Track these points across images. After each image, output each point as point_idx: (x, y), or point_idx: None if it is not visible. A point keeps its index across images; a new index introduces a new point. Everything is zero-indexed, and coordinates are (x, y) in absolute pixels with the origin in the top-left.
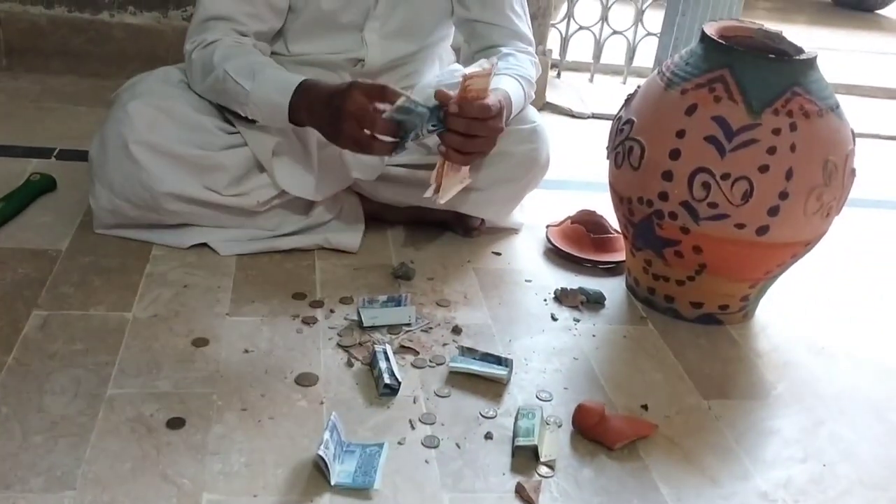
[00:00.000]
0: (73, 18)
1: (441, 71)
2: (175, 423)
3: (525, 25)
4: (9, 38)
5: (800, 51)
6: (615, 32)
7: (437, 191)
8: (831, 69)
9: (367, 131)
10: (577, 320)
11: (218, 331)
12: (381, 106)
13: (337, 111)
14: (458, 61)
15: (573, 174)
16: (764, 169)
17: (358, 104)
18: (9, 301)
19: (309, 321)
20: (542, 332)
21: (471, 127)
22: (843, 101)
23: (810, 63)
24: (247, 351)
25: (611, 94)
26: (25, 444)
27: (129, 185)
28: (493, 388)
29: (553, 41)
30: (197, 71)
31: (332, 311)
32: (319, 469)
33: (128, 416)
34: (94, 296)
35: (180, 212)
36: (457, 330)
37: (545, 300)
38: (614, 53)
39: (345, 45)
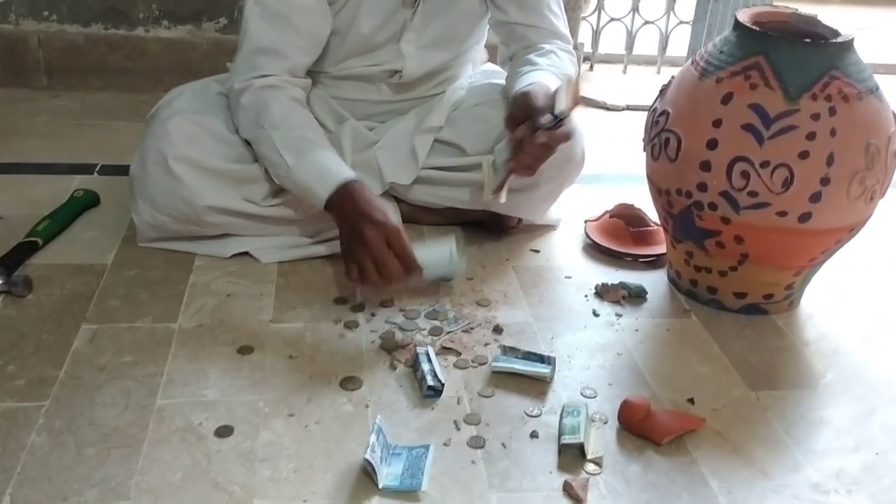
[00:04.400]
0: (110, 35)
1: (473, 72)
2: (224, 431)
3: (562, 24)
4: (48, 57)
5: (836, 34)
6: (647, 22)
7: (496, 191)
8: (870, 49)
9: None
10: (620, 315)
11: (262, 338)
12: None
13: (359, 239)
14: (489, 60)
15: (610, 168)
16: (804, 155)
17: (375, 243)
18: (58, 316)
19: (351, 325)
20: (584, 328)
21: (550, 152)
22: (884, 80)
23: (847, 46)
24: (291, 357)
25: (645, 85)
26: (79, 457)
27: (170, 199)
28: (536, 386)
29: (584, 34)
30: (246, 118)
31: (373, 314)
32: (367, 472)
33: (177, 425)
34: (140, 308)
35: (221, 223)
36: (498, 329)
37: (586, 296)
38: (647, 44)
39: (382, 58)
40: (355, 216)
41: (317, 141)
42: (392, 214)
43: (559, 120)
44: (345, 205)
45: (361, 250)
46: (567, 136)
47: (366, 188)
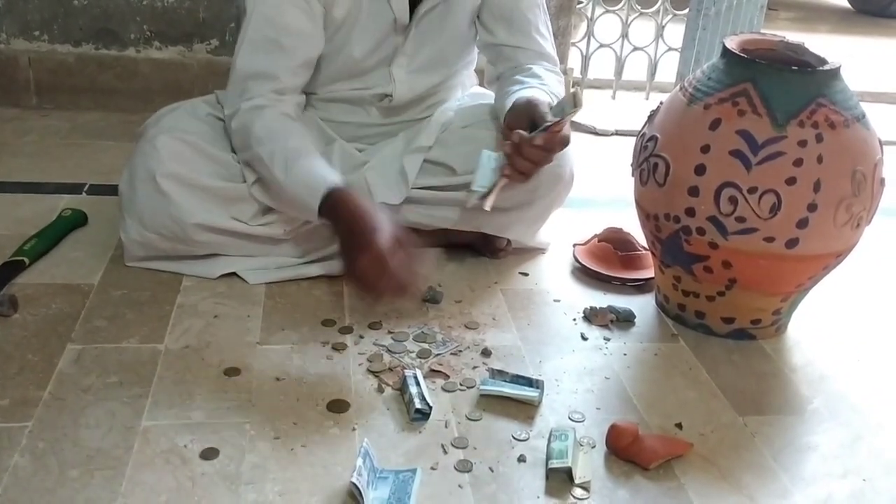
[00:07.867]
0: (100, 55)
1: (462, 95)
2: (209, 454)
3: (550, 45)
4: (38, 77)
5: (823, 61)
6: (636, 49)
7: (484, 197)
8: (856, 77)
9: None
10: (608, 339)
11: (249, 360)
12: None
13: (354, 255)
14: (479, 84)
15: (598, 192)
16: (791, 181)
17: (373, 265)
18: (43, 336)
19: (339, 347)
20: (572, 352)
21: (546, 158)
22: (870, 108)
23: (834, 73)
24: (278, 379)
25: (634, 111)
26: (62, 479)
27: (159, 217)
28: (524, 410)
29: (574, 59)
30: (238, 143)
31: (361, 336)
32: (353, 496)
33: (162, 447)
34: (126, 328)
35: (209, 242)
36: (486, 352)
37: (574, 320)
38: (636, 69)
39: (372, 82)
40: (347, 229)
41: (301, 148)
42: (384, 223)
43: (558, 122)
44: (337, 215)
45: (353, 280)
46: (564, 141)
47: (351, 197)
